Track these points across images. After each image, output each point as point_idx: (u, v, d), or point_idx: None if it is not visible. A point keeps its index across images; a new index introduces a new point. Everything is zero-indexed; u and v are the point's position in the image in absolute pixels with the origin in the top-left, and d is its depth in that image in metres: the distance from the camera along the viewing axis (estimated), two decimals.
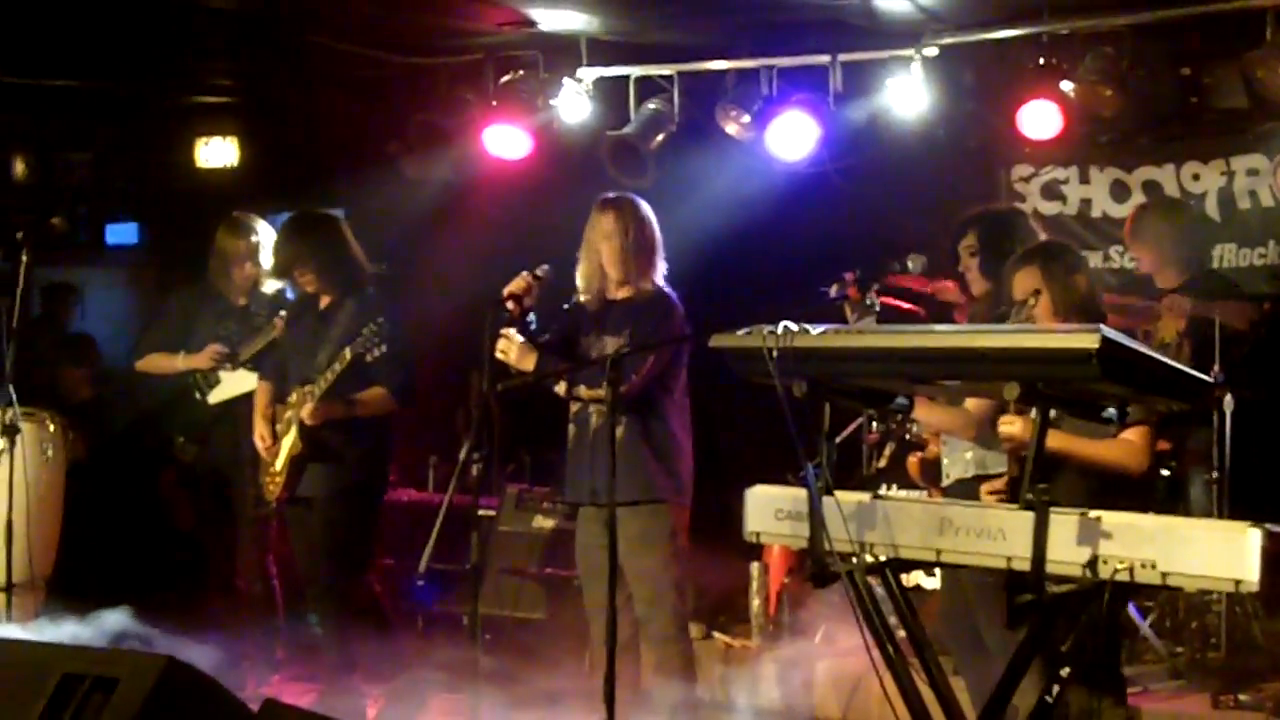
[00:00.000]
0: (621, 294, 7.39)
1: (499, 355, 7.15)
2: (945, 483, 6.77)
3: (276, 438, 8.08)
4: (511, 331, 7.22)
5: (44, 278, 11.44)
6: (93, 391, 10.96)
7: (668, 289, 7.40)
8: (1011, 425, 5.82)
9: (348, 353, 7.72)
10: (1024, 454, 5.78)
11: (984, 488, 6.20)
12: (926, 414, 6.75)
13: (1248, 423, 7.75)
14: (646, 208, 7.44)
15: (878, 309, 7.85)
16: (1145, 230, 8.68)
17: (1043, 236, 6.87)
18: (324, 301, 8.19)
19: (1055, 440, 5.67)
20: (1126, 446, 5.86)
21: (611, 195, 7.51)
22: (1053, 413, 5.77)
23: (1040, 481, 4.86)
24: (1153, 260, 8.65)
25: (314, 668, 8.51)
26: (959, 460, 6.65)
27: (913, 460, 7.90)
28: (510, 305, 7.19)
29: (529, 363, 7.19)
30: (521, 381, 7.17)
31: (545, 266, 7.27)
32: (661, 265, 7.41)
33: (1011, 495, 5.79)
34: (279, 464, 8.06)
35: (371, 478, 8.17)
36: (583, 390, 7.28)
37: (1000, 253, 6.58)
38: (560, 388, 7.37)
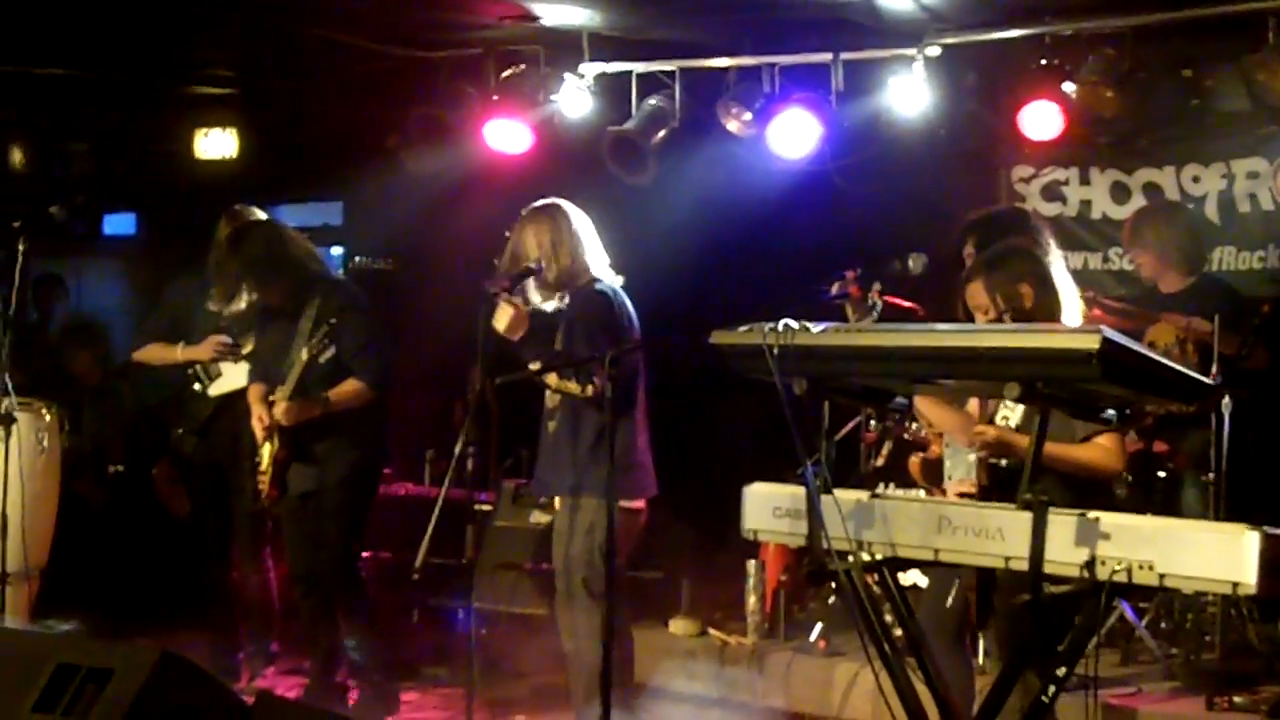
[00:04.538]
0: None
1: (493, 324, 7.13)
2: (947, 484, 6.75)
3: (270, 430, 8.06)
4: (507, 296, 7.20)
5: (39, 268, 11.42)
6: (101, 375, 10.98)
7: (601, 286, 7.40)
8: (984, 433, 5.83)
9: (303, 354, 7.76)
10: (992, 461, 5.83)
11: (951, 488, 6.17)
12: (929, 409, 6.73)
13: (1244, 425, 7.74)
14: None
15: (878, 308, 7.85)
16: (1146, 235, 8.68)
17: (1046, 234, 6.83)
18: (288, 304, 8.14)
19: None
20: (1103, 450, 5.84)
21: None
22: (1015, 417, 5.81)
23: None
24: (1153, 265, 8.66)
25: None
26: (962, 462, 6.61)
27: (914, 460, 7.87)
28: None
29: (519, 329, 7.16)
30: (520, 376, 7.16)
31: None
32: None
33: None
34: (264, 462, 8.03)
35: (362, 468, 8.13)
36: (552, 379, 7.23)
37: None
38: (552, 378, 7.31)
